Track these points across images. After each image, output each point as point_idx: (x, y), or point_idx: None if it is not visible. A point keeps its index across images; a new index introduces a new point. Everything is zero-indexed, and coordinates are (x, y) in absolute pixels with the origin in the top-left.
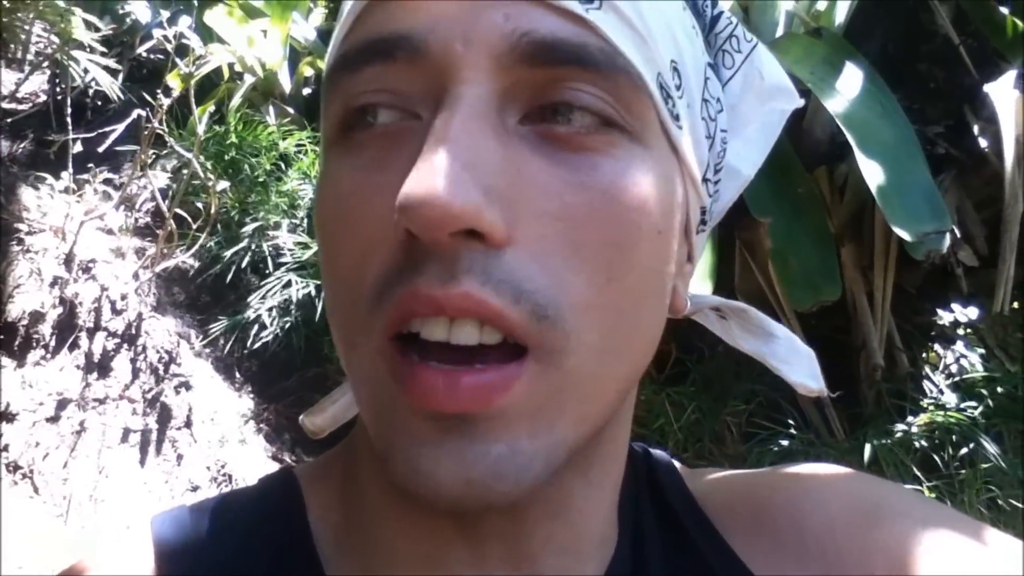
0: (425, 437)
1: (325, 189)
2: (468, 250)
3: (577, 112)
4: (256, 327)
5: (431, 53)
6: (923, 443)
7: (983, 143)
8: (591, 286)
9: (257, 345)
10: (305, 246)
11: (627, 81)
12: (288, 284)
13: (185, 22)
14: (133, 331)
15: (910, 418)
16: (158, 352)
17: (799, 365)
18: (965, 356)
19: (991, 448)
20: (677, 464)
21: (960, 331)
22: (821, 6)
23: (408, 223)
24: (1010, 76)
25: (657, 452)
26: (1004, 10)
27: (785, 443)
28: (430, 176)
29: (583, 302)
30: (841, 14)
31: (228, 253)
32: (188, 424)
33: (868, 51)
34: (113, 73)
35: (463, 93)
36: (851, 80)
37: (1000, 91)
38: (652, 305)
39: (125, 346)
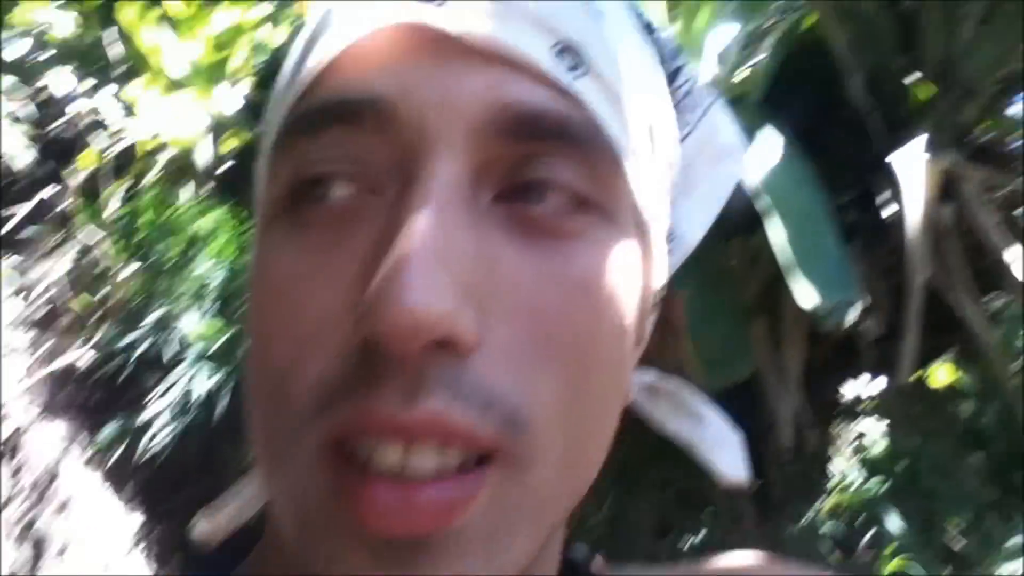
0: (365, 568)
1: (263, 270)
2: (435, 361)
3: (552, 192)
4: (152, 430)
5: (402, 120)
6: (831, 525)
7: (889, 212)
8: (563, 388)
9: (150, 454)
10: (213, 334)
11: (607, 157)
12: (192, 377)
13: (107, 92)
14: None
15: (817, 504)
16: (38, 469)
17: (726, 453)
18: (864, 434)
19: (896, 523)
20: (597, 561)
21: (863, 405)
22: (744, 73)
23: (370, 332)
24: (920, 142)
25: (576, 550)
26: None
27: (697, 539)
28: (402, 278)
29: (552, 407)
30: (762, 82)
31: (125, 345)
32: (64, 551)
33: (785, 119)
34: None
35: (436, 170)
36: (770, 148)
37: (905, 160)
38: (615, 405)
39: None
